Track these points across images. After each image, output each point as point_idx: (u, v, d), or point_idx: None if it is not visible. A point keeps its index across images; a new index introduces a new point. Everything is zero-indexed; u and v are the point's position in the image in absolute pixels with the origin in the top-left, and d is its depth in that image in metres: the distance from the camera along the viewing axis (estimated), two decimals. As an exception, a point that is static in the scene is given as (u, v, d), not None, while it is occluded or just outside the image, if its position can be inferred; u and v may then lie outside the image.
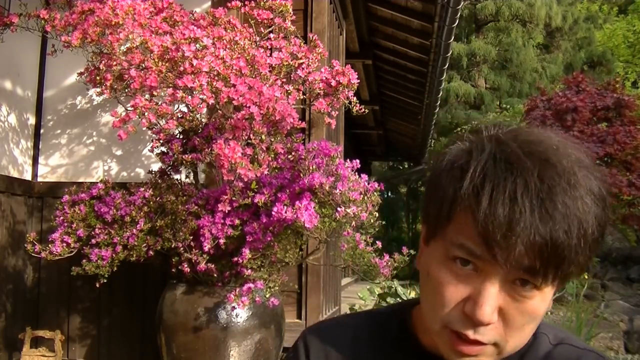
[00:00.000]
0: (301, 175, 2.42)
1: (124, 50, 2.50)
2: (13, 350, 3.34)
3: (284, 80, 2.74)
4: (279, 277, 2.54)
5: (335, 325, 0.95)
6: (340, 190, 2.33)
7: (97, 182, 2.90)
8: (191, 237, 2.57)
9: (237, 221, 2.47)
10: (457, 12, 4.71)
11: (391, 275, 2.59)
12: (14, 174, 3.44)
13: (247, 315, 2.60)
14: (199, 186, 2.85)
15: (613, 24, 19.82)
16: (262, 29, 2.83)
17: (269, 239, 2.40)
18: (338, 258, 2.96)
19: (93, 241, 2.65)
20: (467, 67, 16.85)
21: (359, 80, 2.91)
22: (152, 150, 2.86)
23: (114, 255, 2.63)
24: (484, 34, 17.30)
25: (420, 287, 0.80)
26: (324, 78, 2.80)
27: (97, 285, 2.69)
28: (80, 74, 2.87)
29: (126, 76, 2.53)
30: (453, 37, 5.32)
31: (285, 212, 2.29)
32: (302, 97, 2.83)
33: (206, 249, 2.49)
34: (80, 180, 3.47)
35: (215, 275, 2.59)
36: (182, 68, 2.44)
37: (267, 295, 2.49)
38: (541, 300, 0.71)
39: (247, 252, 2.42)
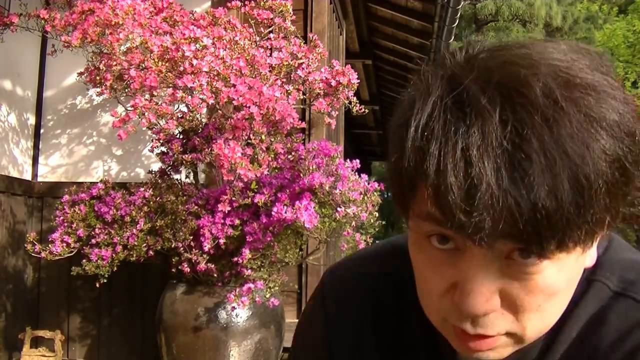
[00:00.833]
0: (301, 175, 2.42)
1: (124, 50, 2.50)
2: (13, 350, 3.34)
3: (284, 80, 2.74)
4: (279, 277, 2.54)
5: (357, 284, 0.77)
6: (340, 190, 2.33)
7: (97, 182, 2.90)
8: (191, 237, 2.57)
9: (237, 221, 2.47)
10: (457, 12, 4.71)
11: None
12: (14, 174, 3.44)
13: (247, 316, 2.60)
14: (199, 186, 2.85)
15: (613, 24, 19.83)
16: (262, 29, 2.83)
17: (269, 239, 2.40)
18: (338, 258, 2.96)
19: (93, 241, 2.65)
20: (467, 67, 16.86)
21: (359, 80, 2.91)
22: (152, 150, 2.86)
23: (114, 255, 2.63)
24: (483, 34, 17.31)
25: None
26: (324, 78, 2.80)
27: (97, 285, 2.69)
28: (80, 74, 2.87)
29: (126, 76, 2.53)
30: (453, 37, 5.32)
31: (285, 212, 2.29)
32: (302, 97, 2.84)
33: (206, 249, 2.49)
34: (80, 180, 3.47)
35: (215, 275, 2.59)
36: (182, 68, 2.44)
37: (267, 296, 2.49)
38: (558, 271, 0.53)
39: (247, 252, 2.42)
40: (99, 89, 2.72)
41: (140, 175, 3.50)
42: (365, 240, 2.58)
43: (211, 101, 2.44)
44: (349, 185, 2.38)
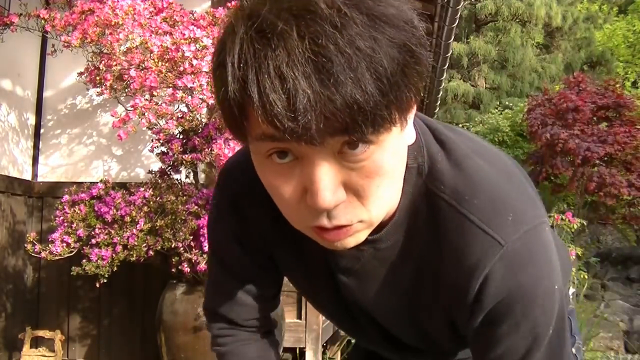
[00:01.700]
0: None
1: (124, 50, 2.50)
2: (13, 350, 3.34)
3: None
4: (279, 277, 2.54)
5: (252, 185, 0.82)
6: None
7: (97, 182, 2.90)
8: (191, 237, 2.57)
9: (237, 221, 2.47)
10: (457, 12, 4.72)
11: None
12: (14, 174, 3.44)
13: (247, 315, 2.60)
14: (199, 186, 2.85)
15: (613, 24, 19.82)
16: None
17: (269, 239, 2.40)
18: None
19: (93, 241, 2.65)
20: (468, 66, 16.86)
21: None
22: (152, 150, 2.86)
23: (114, 255, 2.63)
24: (483, 34, 17.30)
25: None
26: (324, 78, 2.79)
27: (97, 285, 2.69)
28: (80, 74, 2.86)
29: (126, 76, 2.53)
30: (453, 37, 5.32)
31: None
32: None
33: (206, 249, 2.48)
34: (80, 180, 3.47)
35: (215, 275, 2.59)
36: (182, 68, 2.44)
37: (267, 295, 2.48)
38: (382, 152, 0.62)
39: (247, 252, 2.42)
40: (99, 89, 2.72)
41: (140, 175, 3.49)
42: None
43: (211, 101, 2.44)
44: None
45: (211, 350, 1.06)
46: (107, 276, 2.66)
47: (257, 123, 0.59)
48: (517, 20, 16.89)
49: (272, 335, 1.04)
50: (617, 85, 10.43)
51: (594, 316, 5.93)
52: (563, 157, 9.26)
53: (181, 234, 2.57)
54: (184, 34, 2.50)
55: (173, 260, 2.62)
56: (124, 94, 2.72)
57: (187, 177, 2.90)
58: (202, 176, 3.06)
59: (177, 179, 2.83)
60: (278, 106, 0.55)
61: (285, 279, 0.98)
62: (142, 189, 2.73)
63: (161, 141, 2.75)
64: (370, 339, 0.99)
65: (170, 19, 2.76)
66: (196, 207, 2.59)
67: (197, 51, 2.45)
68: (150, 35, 2.51)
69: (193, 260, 2.53)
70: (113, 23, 2.51)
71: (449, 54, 5.72)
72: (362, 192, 0.64)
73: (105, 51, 2.59)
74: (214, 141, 2.49)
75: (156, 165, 2.90)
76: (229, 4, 2.87)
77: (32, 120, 3.62)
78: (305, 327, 3.38)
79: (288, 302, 3.46)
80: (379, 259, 0.80)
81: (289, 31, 0.56)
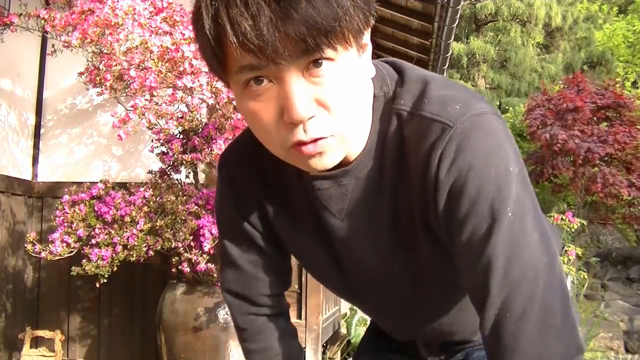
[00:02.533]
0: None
1: (124, 50, 2.50)
2: (13, 350, 3.34)
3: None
4: (279, 277, 2.54)
5: (243, 162, 0.98)
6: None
7: (97, 182, 2.90)
8: (191, 237, 2.57)
9: (237, 221, 2.47)
10: (457, 12, 4.71)
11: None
12: (14, 174, 3.44)
13: (247, 315, 2.60)
14: (199, 186, 2.85)
15: (613, 24, 19.81)
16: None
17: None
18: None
19: (93, 241, 2.65)
20: (467, 66, 16.86)
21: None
22: (152, 150, 2.86)
23: (114, 255, 2.63)
24: (483, 34, 17.31)
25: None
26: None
27: (97, 285, 2.69)
28: (80, 74, 2.86)
29: (126, 76, 2.53)
30: (453, 37, 5.32)
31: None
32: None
33: (206, 249, 2.49)
34: (80, 180, 3.47)
35: (215, 275, 2.59)
36: (182, 68, 2.44)
37: (267, 295, 2.48)
38: (343, 70, 0.72)
39: (247, 252, 2.42)
40: (99, 89, 2.72)
41: (140, 175, 3.49)
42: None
43: (211, 101, 2.44)
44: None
45: (239, 346, 1.16)
46: (107, 276, 2.66)
47: (233, 57, 0.70)
48: (517, 20, 16.90)
49: (288, 319, 1.14)
50: (617, 86, 10.43)
51: (594, 316, 5.93)
52: (563, 157, 9.26)
53: (181, 234, 2.58)
54: (184, 34, 2.50)
55: (173, 260, 2.62)
56: (124, 94, 2.72)
57: (187, 177, 2.90)
58: (202, 176, 3.06)
59: (177, 179, 2.83)
60: (246, 28, 0.66)
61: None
62: (142, 189, 2.73)
63: (161, 141, 2.75)
64: (369, 305, 1.07)
65: (170, 19, 2.76)
66: (196, 207, 2.59)
67: (197, 51, 2.45)
68: (150, 35, 2.51)
69: (193, 260, 2.53)
70: (113, 23, 2.51)
71: (449, 54, 5.72)
72: (330, 106, 0.73)
73: (105, 51, 2.59)
74: (214, 141, 2.49)
75: (156, 165, 2.90)
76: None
77: (32, 120, 3.62)
78: (305, 327, 3.38)
79: (288, 302, 3.46)
80: (361, 190, 0.87)
81: None
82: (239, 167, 0.97)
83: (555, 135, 9.04)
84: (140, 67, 2.50)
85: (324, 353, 3.82)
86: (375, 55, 0.82)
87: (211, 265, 2.52)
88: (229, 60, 0.72)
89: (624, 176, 9.04)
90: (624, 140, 9.03)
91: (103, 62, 2.62)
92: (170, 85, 2.51)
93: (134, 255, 2.64)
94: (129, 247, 2.63)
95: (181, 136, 2.74)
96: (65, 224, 2.73)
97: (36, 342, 3.35)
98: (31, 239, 2.77)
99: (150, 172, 2.91)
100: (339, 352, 4.10)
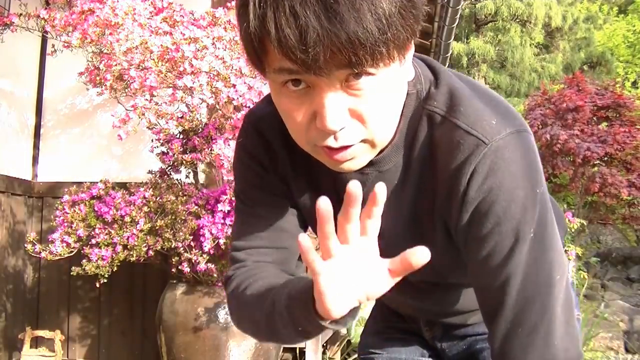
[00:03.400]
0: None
1: (124, 50, 2.50)
2: (13, 350, 3.34)
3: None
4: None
5: (268, 118, 0.92)
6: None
7: (97, 182, 2.90)
8: (191, 237, 2.57)
9: (237, 221, 2.47)
10: (457, 12, 4.72)
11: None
12: (14, 174, 3.44)
13: (247, 315, 2.60)
14: (199, 186, 2.85)
15: (613, 24, 19.81)
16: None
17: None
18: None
19: (93, 241, 2.65)
20: (467, 66, 16.86)
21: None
22: (152, 150, 2.86)
23: (114, 255, 2.63)
24: (483, 34, 17.31)
25: None
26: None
27: (97, 285, 2.69)
28: (80, 74, 2.86)
29: (126, 76, 2.53)
30: (453, 37, 5.32)
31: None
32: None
33: (206, 249, 2.49)
34: (80, 180, 3.47)
35: (215, 275, 2.59)
36: (182, 68, 2.44)
37: (267, 295, 2.48)
38: (382, 83, 0.71)
39: (247, 252, 2.42)
40: (99, 89, 2.72)
41: (140, 175, 3.49)
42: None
43: (211, 101, 2.44)
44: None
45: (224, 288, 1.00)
46: (107, 276, 2.66)
47: (274, 57, 0.69)
48: (517, 20, 16.90)
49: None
50: (617, 86, 10.42)
51: (594, 316, 5.93)
52: (563, 157, 9.25)
53: (181, 234, 2.57)
54: (184, 34, 2.50)
55: (173, 260, 2.62)
56: (124, 94, 2.72)
57: (187, 177, 2.90)
58: (202, 176, 3.06)
59: (177, 179, 2.83)
60: (292, 39, 0.65)
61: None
62: (142, 189, 2.73)
63: (161, 141, 2.75)
64: None
65: (170, 19, 2.77)
66: (196, 207, 2.59)
67: (197, 51, 2.45)
68: (150, 35, 2.51)
69: (193, 260, 2.53)
70: (113, 23, 2.51)
71: (449, 54, 5.72)
72: (366, 117, 0.73)
73: (105, 51, 2.59)
74: (214, 141, 2.49)
75: (156, 165, 2.90)
76: (228, 4, 2.87)
77: (32, 120, 3.62)
78: (305, 327, 3.38)
79: (288, 302, 3.46)
80: (382, 182, 0.84)
81: None
82: (269, 119, 0.92)
83: (556, 135, 9.04)
84: (140, 67, 2.50)
85: (324, 353, 3.82)
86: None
87: (211, 265, 2.52)
88: (269, 59, 0.71)
89: (623, 176, 9.03)
90: (624, 140, 9.02)
91: (103, 62, 2.62)
92: (170, 85, 2.51)
93: (134, 255, 2.64)
94: (129, 247, 2.63)
95: (181, 136, 2.74)
96: (65, 224, 2.73)
97: (36, 342, 3.35)
98: (31, 239, 2.77)
99: (150, 172, 2.91)
100: (339, 352, 4.09)
